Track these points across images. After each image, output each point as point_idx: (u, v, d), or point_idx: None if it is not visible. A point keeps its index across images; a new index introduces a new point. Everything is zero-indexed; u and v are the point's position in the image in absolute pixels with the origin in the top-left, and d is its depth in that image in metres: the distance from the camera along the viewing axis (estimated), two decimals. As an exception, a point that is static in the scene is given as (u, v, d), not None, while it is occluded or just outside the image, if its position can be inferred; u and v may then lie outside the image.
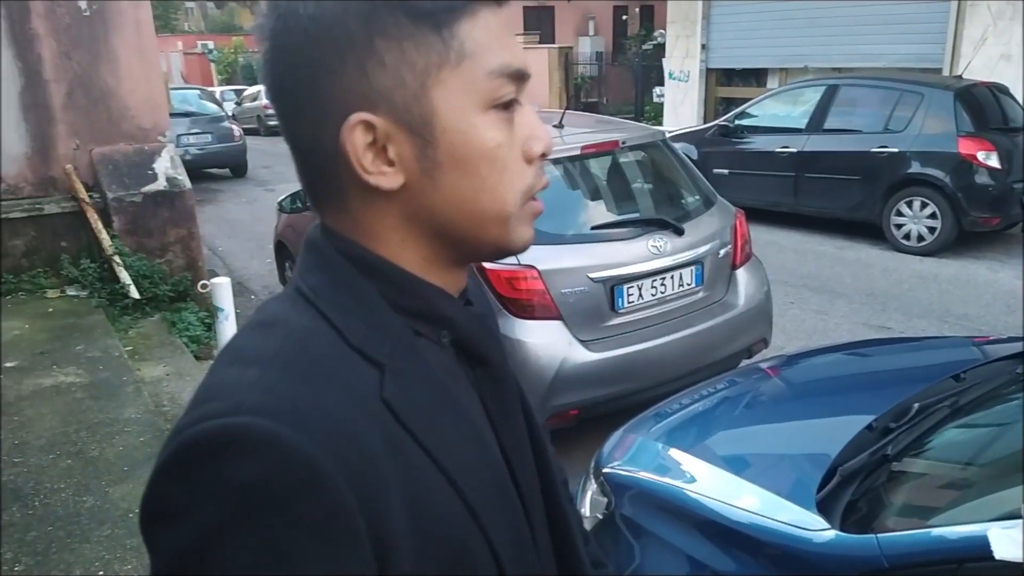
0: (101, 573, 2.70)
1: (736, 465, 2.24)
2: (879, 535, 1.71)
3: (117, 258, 5.56)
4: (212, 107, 14.02)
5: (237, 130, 13.79)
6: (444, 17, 0.62)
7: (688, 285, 3.74)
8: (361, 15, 0.61)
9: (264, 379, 0.57)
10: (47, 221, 5.74)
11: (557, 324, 3.39)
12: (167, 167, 6.04)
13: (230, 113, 15.64)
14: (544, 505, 0.77)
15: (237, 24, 44.56)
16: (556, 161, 3.69)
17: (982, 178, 6.96)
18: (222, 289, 4.03)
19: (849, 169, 7.63)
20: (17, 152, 5.66)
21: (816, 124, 7.97)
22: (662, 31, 15.51)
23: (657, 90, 15.57)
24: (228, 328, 3.94)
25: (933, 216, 7.11)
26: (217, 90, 21.22)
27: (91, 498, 3.14)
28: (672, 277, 3.68)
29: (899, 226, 7.34)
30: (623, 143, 3.93)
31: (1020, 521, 1.50)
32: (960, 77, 8.12)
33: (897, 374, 2.86)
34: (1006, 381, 2.30)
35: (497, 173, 0.65)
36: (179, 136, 11.95)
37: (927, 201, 7.14)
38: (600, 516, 2.23)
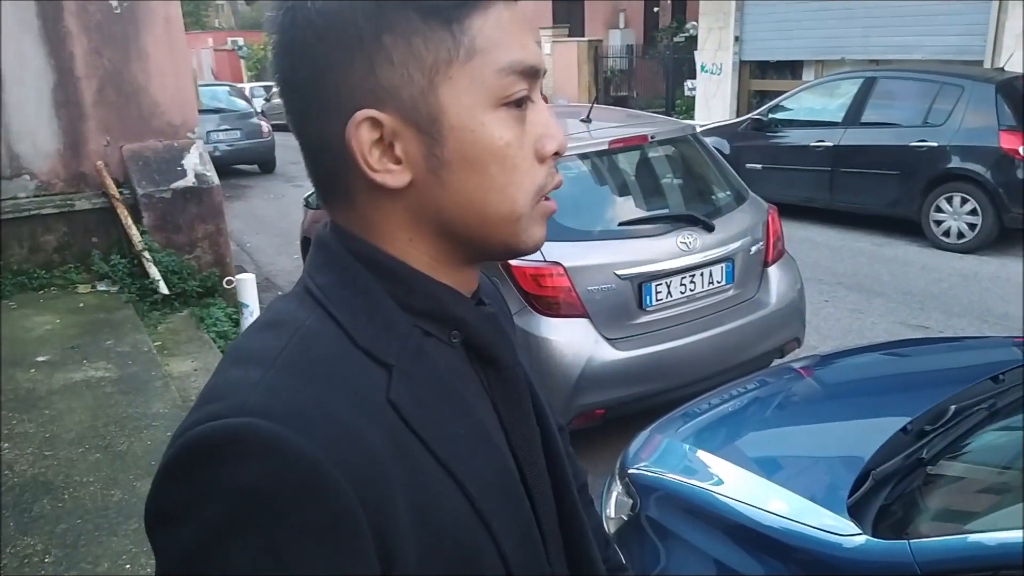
0: (128, 566, 2.73)
1: (765, 468, 2.20)
2: (912, 541, 1.68)
3: (147, 254, 5.63)
4: (241, 103, 14.12)
5: (266, 126, 13.89)
6: (455, 12, 0.61)
7: (718, 283, 3.67)
8: (369, 10, 0.60)
9: (267, 380, 0.57)
10: (78, 217, 5.83)
11: (583, 322, 3.35)
12: (196, 163, 6.10)
13: (259, 109, 15.77)
14: (556, 507, 0.75)
15: (267, 21, 44.95)
16: (584, 156, 3.65)
17: (1024, 173, 6.78)
18: (246, 285, 4.06)
19: (887, 164, 7.45)
20: (49, 148, 5.75)
21: (853, 117, 7.79)
22: (694, 23, 15.31)
23: (689, 83, 15.42)
24: (252, 324, 3.96)
25: (973, 212, 6.93)
26: (246, 86, 21.39)
27: (119, 492, 3.18)
28: (702, 274, 3.61)
29: (938, 222, 7.16)
30: (652, 137, 3.87)
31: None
32: (1002, 69, 7.91)
33: (934, 375, 2.79)
34: (1049, 383, 2.22)
35: (507, 172, 0.64)
36: (208, 132, 12.09)
37: (967, 197, 6.96)
38: (625, 517, 2.21)
